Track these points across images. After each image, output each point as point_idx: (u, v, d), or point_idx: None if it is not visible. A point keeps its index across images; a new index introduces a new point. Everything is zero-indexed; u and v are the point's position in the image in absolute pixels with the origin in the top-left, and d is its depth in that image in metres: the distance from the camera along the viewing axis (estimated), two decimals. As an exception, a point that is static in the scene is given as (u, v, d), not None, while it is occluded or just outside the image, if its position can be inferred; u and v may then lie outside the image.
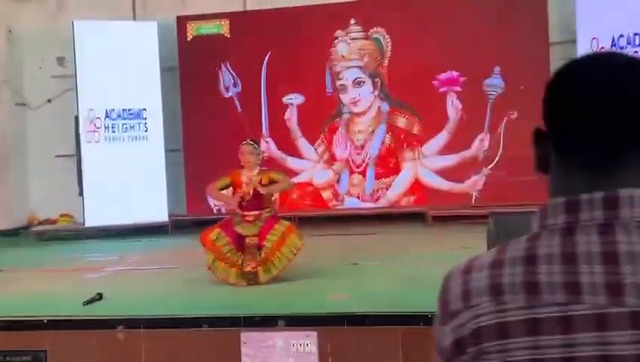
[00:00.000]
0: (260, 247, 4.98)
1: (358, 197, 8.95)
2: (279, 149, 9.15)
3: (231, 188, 5.30)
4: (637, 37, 8.02)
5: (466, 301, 0.89)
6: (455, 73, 8.71)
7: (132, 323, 4.01)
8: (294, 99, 9.11)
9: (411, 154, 8.82)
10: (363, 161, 8.90)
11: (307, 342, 3.80)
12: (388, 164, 8.90)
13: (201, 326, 3.95)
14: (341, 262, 5.77)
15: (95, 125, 9.12)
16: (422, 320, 3.75)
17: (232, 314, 4.01)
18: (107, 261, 6.76)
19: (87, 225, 9.06)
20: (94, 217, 9.01)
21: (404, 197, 8.89)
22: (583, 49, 8.38)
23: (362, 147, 8.92)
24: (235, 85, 9.31)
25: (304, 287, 4.83)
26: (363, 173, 8.93)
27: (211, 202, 9.41)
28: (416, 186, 8.84)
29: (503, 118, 8.62)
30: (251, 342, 3.86)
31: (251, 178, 5.14)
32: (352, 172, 8.95)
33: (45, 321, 4.09)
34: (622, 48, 8.10)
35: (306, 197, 9.09)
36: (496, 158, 8.62)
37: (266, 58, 9.19)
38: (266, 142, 9.28)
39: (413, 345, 3.73)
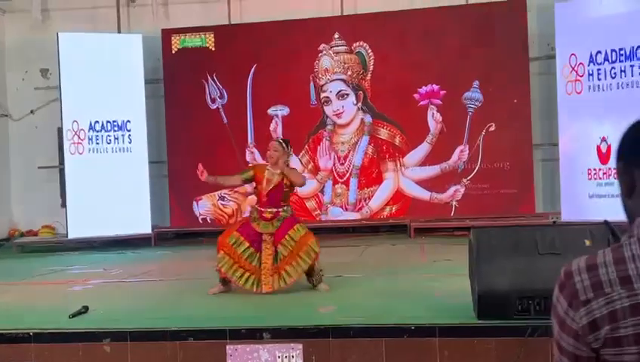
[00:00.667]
0: (275, 247, 5.04)
1: (342, 207, 9.12)
2: (264, 159, 9.25)
3: (253, 183, 5.34)
4: (614, 53, 8.21)
5: (597, 290, 1.13)
6: (436, 86, 8.91)
7: (118, 336, 4.02)
8: (279, 111, 9.23)
9: (393, 165, 9.05)
10: (346, 172, 9.12)
11: (293, 354, 3.85)
12: (370, 175, 9.11)
13: (186, 339, 3.98)
14: (325, 274, 5.81)
15: (79, 136, 9.11)
16: (406, 331, 3.82)
17: (218, 327, 4.04)
18: (91, 273, 6.75)
19: (69, 237, 9.03)
20: (77, 229, 8.99)
21: (386, 206, 9.05)
22: (561, 64, 8.57)
23: (345, 158, 9.14)
24: (221, 97, 9.38)
25: (289, 299, 4.88)
26: (346, 183, 9.13)
27: (197, 211, 9.45)
28: (398, 196, 9.05)
29: (481, 130, 8.80)
30: (237, 354, 3.90)
31: (274, 175, 5.15)
32: (335, 182, 9.14)
33: (31, 334, 4.08)
34: (599, 64, 8.29)
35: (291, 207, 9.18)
36: (475, 169, 8.83)
37: (252, 70, 9.29)
38: (252, 152, 9.40)
39: (397, 356, 3.79)
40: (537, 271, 3.68)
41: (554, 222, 8.03)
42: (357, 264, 6.70)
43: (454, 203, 8.89)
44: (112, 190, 9.00)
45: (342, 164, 9.13)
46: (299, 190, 9.19)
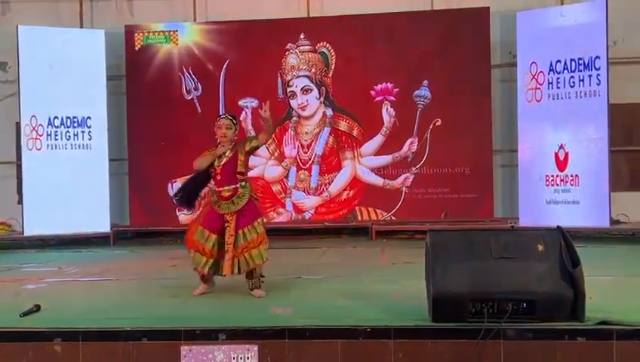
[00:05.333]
0: (236, 231, 4.96)
1: (304, 191, 9.68)
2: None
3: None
4: (573, 62, 8.39)
5: None
6: (390, 84, 9.44)
7: (69, 336, 3.94)
8: (249, 103, 9.63)
9: (351, 154, 9.66)
10: (309, 159, 9.72)
11: (248, 355, 3.83)
12: (331, 162, 9.70)
13: (140, 339, 3.92)
14: (285, 276, 5.82)
15: (37, 132, 8.95)
16: (361, 333, 3.83)
17: (173, 327, 3.99)
18: (46, 272, 6.62)
19: (25, 234, 8.86)
20: (34, 226, 8.82)
21: (344, 191, 9.64)
22: (522, 72, 8.72)
23: (308, 147, 9.73)
24: (195, 89, 9.64)
25: (246, 300, 4.85)
26: (309, 170, 9.70)
27: (171, 193, 9.40)
28: (355, 182, 9.64)
29: (429, 125, 9.30)
30: (192, 355, 3.86)
31: (225, 153, 5.03)
32: (299, 168, 9.72)
33: (-21, 333, 3.98)
34: (558, 73, 8.46)
35: (258, 190, 9.32)
36: (423, 158, 9.36)
37: (225, 65, 9.60)
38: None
39: (352, 358, 3.80)
40: (491, 275, 3.73)
41: (512, 227, 8.17)
42: (317, 266, 6.71)
43: (404, 189, 9.46)
44: (71, 187, 8.86)
45: (305, 152, 9.71)
46: (266, 175, 9.62)
